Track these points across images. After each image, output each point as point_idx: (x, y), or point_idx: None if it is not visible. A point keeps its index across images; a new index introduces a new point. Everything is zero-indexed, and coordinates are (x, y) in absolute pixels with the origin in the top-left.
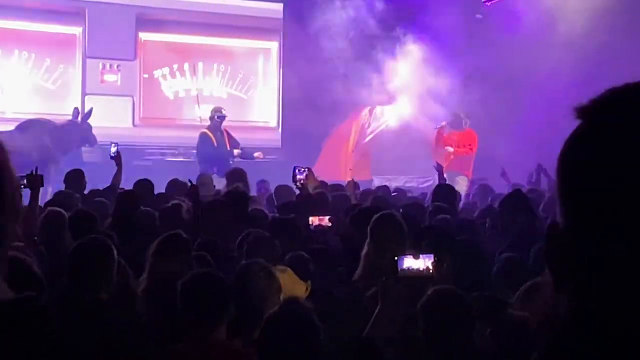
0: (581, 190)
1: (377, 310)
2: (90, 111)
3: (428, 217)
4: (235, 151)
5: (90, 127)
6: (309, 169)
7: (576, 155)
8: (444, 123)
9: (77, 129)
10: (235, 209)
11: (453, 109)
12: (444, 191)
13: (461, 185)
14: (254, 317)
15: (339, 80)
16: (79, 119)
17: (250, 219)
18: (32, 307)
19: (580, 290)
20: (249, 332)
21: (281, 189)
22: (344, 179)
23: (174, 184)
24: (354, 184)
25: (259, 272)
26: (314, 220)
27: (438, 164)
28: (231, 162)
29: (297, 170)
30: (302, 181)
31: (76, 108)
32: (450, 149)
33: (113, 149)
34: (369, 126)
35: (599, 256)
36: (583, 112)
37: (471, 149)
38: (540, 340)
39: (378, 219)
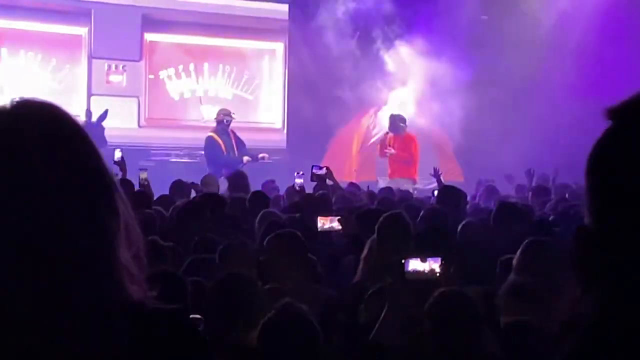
0: (613, 190)
1: (383, 314)
2: (106, 113)
3: (419, 222)
4: (245, 158)
5: (103, 128)
6: (328, 168)
7: (608, 155)
8: (388, 133)
9: (93, 130)
10: (211, 211)
11: (458, 111)
12: (449, 193)
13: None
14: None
15: (345, 81)
16: (92, 120)
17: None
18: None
19: (610, 291)
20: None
21: (291, 190)
22: (349, 179)
23: (178, 186)
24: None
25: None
26: (323, 221)
27: (435, 170)
28: (240, 167)
29: (315, 169)
30: (302, 186)
31: (89, 109)
32: (392, 151)
33: (118, 154)
34: (374, 127)
35: (631, 257)
36: (614, 113)
37: (412, 152)
38: (562, 342)
39: (385, 218)
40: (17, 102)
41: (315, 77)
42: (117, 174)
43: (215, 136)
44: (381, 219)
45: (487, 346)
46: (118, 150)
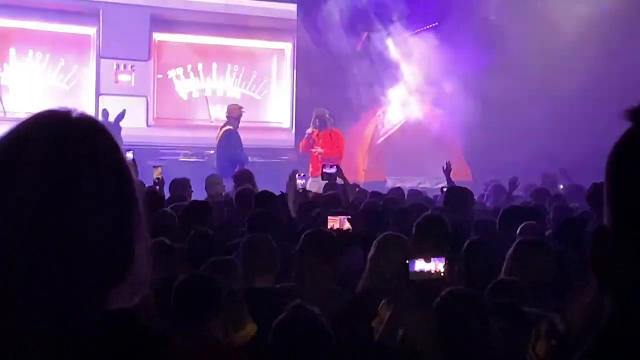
0: (632, 192)
1: (388, 314)
2: (123, 113)
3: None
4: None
5: (120, 128)
6: (338, 166)
7: (627, 157)
8: (310, 130)
9: (111, 131)
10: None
11: (468, 108)
12: (456, 194)
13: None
14: None
15: (353, 80)
16: (109, 120)
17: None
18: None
19: (627, 293)
20: None
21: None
22: (358, 179)
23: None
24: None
25: None
26: (332, 223)
27: (447, 166)
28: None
29: (326, 167)
30: (304, 185)
31: (105, 109)
32: (320, 150)
33: (129, 155)
34: (382, 127)
35: None
36: (634, 114)
37: (339, 148)
38: (580, 343)
39: (425, 219)
40: (75, 113)
41: (324, 77)
42: None
43: (235, 130)
44: (420, 218)
45: (495, 344)
46: (130, 152)
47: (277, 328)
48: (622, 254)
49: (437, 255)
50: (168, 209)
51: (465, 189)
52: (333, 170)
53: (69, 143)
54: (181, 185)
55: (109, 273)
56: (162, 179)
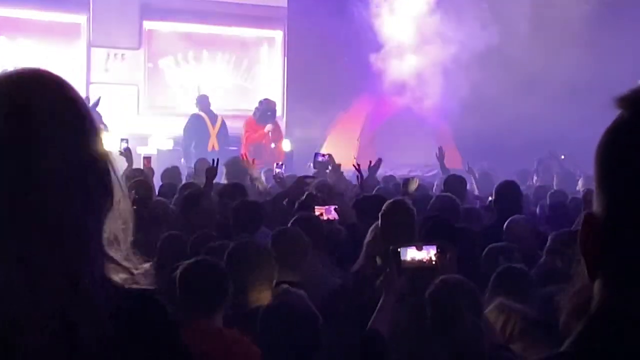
0: (623, 178)
1: (380, 302)
2: (98, 100)
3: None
4: None
5: (100, 115)
6: (330, 155)
7: (618, 143)
8: (270, 127)
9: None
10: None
11: (461, 95)
12: (453, 181)
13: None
14: None
15: (344, 68)
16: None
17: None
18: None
19: (615, 278)
20: None
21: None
22: (349, 167)
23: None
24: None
25: None
26: (320, 212)
27: (440, 151)
28: None
29: (318, 156)
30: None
31: (87, 97)
32: (273, 145)
33: (123, 145)
34: (374, 115)
35: (636, 250)
36: (624, 101)
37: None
38: (569, 327)
39: (390, 205)
40: (24, 69)
41: (315, 65)
42: None
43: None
44: (385, 205)
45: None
46: (124, 141)
47: (265, 314)
48: (612, 241)
49: (429, 243)
50: (173, 201)
51: (461, 177)
52: (325, 159)
53: (20, 97)
54: (172, 174)
55: (69, 229)
56: (152, 168)
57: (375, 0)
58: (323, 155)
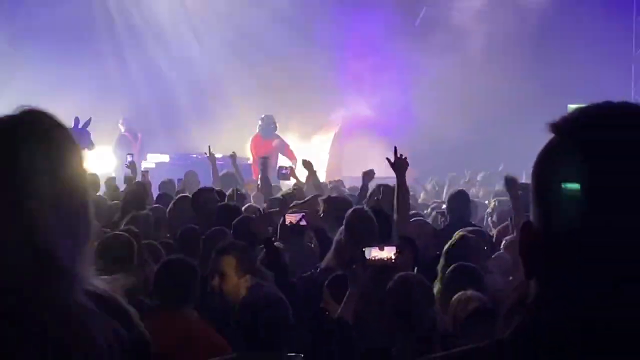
0: (552, 196)
1: (347, 293)
2: (89, 121)
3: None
4: None
5: (89, 133)
6: (292, 168)
7: (549, 165)
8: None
9: (80, 135)
10: None
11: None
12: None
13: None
14: None
15: (314, 81)
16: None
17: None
18: None
19: (545, 279)
20: None
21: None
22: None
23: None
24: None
25: None
26: (290, 219)
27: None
28: None
29: (282, 169)
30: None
31: (77, 117)
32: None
33: (129, 158)
34: (342, 128)
35: (562, 254)
36: (555, 128)
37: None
38: (510, 320)
39: (352, 213)
40: (23, 110)
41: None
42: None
43: None
44: (348, 213)
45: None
46: (129, 155)
47: (241, 306)
48: (543, 248)
49: (389, 244)
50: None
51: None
52: (287, 171)
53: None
54: (167, 186)
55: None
56: (134, 163)
57: None
58: (285, 169)
